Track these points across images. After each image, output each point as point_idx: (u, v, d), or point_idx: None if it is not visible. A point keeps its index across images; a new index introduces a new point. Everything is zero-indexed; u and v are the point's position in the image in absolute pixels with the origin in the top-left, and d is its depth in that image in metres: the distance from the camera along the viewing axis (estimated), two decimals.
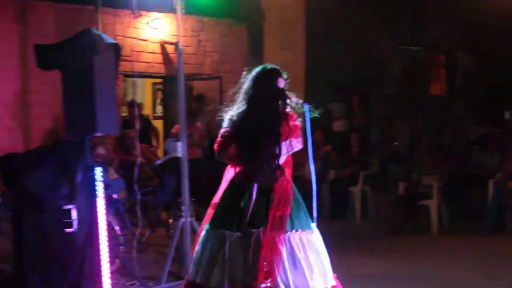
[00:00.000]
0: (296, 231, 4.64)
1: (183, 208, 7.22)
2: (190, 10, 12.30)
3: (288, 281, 4.50)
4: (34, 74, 11.02)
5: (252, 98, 4.75)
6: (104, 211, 6.51)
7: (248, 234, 4.59)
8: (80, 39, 6.35)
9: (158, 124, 13.94)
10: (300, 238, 4.63)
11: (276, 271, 4.46)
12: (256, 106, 4.74)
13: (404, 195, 10.95)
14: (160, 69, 12.58)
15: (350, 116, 13.70)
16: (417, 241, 9.99)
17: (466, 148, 13.50)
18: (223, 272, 4.57)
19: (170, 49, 12.33)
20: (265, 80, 4.78)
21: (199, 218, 7.50)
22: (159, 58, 12.49)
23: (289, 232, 4.60)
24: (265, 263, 4.45)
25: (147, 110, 15.76)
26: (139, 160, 7.66)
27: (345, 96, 13.87)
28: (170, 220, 9.26)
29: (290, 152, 4.80)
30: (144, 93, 16.30)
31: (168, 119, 13.78)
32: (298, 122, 4.79)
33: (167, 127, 13.40)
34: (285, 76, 4.85)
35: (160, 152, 12.43)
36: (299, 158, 11.83)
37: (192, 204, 7.65)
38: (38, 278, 6.68)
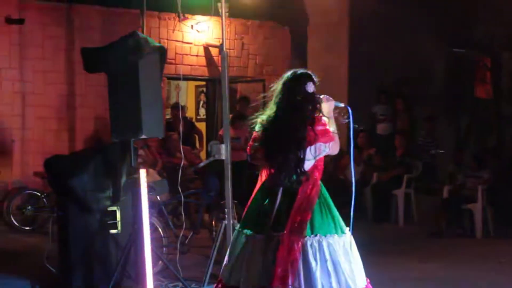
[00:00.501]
0: (315, 236, 4.60)
1: (225, 210, 7.23)
2: (234, 13, 12.43)
3: (301, 286, 4.48)
4: (79, 77, 11.18)
5: (280, 102, 4.78)
6: (148, 213, 6.57)
7: (270, 237, 4.63)
8: (125, 42, 6.41)
9: (201, 127, 14.00)
10: (320, 243, 4.59)
11: (291, 276, 4.46)
12: (283, 110, 4.76)
13: (449, 198, 10.84)
14: (204, 71, 12.65)
15: (394, 119, 13.58)
16: (461, 245, 9.88)
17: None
18: (240, 272, 4.65)
19: (214, 52, 12.39)
20: (293, 85, 4.79)
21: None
22: (202, 61, 12.56)
23: (307, 238, 4.58)
24: (279, 269, 4.47)
25: (190, 113, 15.86)
26: (183, 162, 7.70)
27: (389, 99, 13.76)
28: (213, 222, 9.28)
29: (318, 157, 4.78)
30: (187, 96, 16.40)
31: (211, 121, 13.84)
32: (328, 126, 4.76)
33: (210, 129, 13.47)
34: (316, 79, 4.84)
35: (203, 155, 12.49)
36: (344, 161, 11.88)
37: (234, 207, 7.66)
38: (81, 278, 6.76)
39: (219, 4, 7.75)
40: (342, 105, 4.88)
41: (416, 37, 13.74)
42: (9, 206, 10.46)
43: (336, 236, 4.66)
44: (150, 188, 7.12)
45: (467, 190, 10.72)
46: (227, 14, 7.91)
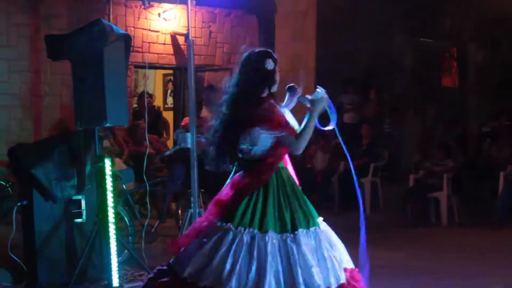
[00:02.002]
0: (248, 229, 4.27)
1: (192, 199, 7.21)
2: (200, 1, 12.37)
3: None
4: (45, 66, 11.06)
5: (236, 80, 4.49)
6: (113, 202, 6.53)
7: None
8: (90, 29, 6.36)
9: (169, 115, 13.94)
10: (253, 237, 4.25)
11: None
12: (235, 87, 4.47)
13: (414, 187, 10.92)
14: (171, 60, 12.57)
15: (361, 108, 13.62)
16: (427, 233, 9.97)
17: (477, 141, 13.46)
18: None
19: (181, 40, 12.32)
20: (253, 62, 4.48)
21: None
22: (170, 49, 12.48)
23: (238, 229, 4.28)
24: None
25: (158, 102, 15.78)
26: (148, 151, 7.67)
27: (356, 88, 13.80)
28: (179, 211, 9.27)
29: (262, 146, 4.41)
30: (155, 85, 16.32)
31: (179, 110, 13.78)
32: (271, 110, 4.38)
33: (178, 118, 13.41)
34: (275, 57, 4.51)
35: (170, 144, 12.44)
36: (311, 151, 11.89)
37: (201, 195, 7.65)
38: (46, 268, 6.71)
39: None
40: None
41: (383, 28, 13.79)
42: None
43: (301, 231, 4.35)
44: (116, 177, 7.08)
45: (433, 178, 10.81)
46: (193, 2, 7.88)
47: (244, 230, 4.27)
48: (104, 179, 6.43)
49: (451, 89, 15.67)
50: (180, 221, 8.61)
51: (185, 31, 11.23)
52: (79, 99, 6.45)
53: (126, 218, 7.83)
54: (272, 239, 4.24)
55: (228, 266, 4.18)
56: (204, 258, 4.24)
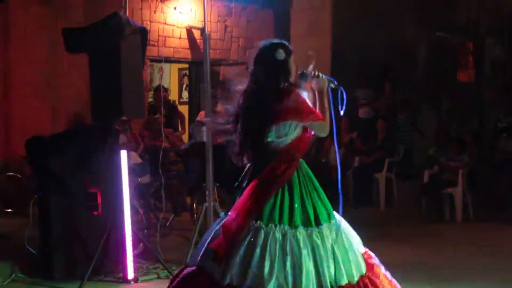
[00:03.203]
0: (279, 226, 4.21)
1: (207, 193, 7.23)
2: None
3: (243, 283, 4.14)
4: (62, 57, 11.09)
5: (251, 75, 4.43)
6: (129, 195, 6.56)
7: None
8: (107, 22, 6.39)
9: (184, 110, 13.96)
10: (284, 234, 4.18)
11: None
12: (252, 82, 4.41)
13: (429, 183, 10.89)
14: (187, 54, 12.58)
15: (377, 103, 13.59)
16: (442, 229, 9.93)
17: (493, 136, 13.40)
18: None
19: (196, 34, 12.32)
20: (264, 54, 4.42)
21: (223, 203, 7.55)
22: (185, 43, 12.49)
23: (271, 226, 4.21)
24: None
25: (173, 96, 15.81)
26: (164, 144, 7.69)
27: (372, 82, 13.77)
28: (194, 205, 9.29)
29: (290, 136, 4.36)
30: (170, 79, 16.34)
31: (194, 104, 13.80)
32: (299, 100, 4.32)
33: (193, 112, 13.43)
34: (290, 48, 4.44)
35: (185, 138, 12.47)
36: (326, 144, 11.88)
37: (216, 190, 7.66)
38: (62, 260, 6.75)
39: None
40: (332, 86, 4.53)
41: (399, 21, 13.75)
42: None
43: (311, 228, 4.28)
44: (132, 170, 7.12)
45: (448, 174, 10.76)
46: None
47: (275, 227, 4.22)
48: (120, 172, 6.45)
49: (466, 84, 15.59)
50: (195, 215, 8.63)
51: (200, 25, 11.22)
52: (96, 92, 6.47)
53: (141, 211, 7.86)
54: (303, 234, 4.24)
55: (267, 267, 4.13)
56: (242, 260, 4.18)
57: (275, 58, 4.40)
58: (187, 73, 15.23)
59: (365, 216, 10.30)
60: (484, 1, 14.21)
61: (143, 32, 6.65)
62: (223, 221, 4.35)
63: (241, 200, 4.35)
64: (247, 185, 4.41)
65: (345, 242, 4.34)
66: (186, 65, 14.59)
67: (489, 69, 15.29)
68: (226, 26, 13.00)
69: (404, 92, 14.29)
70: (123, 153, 6.48)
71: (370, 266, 4.41)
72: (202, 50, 7.71)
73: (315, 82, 4.50)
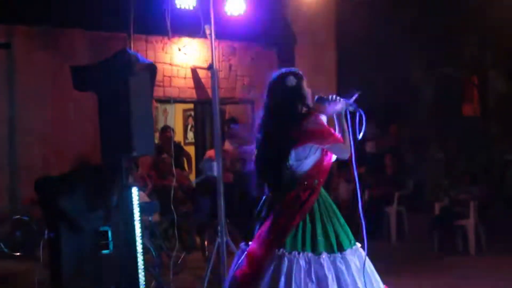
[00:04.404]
0: (302, 253, 4.20)
1: (219, 228, 7.16)
2: (220, 35, 12.41)
3: None
4: (68, 103, 11.12)
5: (265, 106, 4.50)
6: (140, 232, 6.49)
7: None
8: (116, 59, 6.37)
9: (190, 150, 13.93)
10: (308, 261, 4.18)
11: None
12: (266, 112, 4.48)
13: (441, 215, 10.81)
14: (192, 94, 12.60)
15: (382, 142, 13.56)
16: (455, 262, 9.83)
17: (501, 169, 13.35)
18: None
19: (201, 73, 12.37)
20: (274, 84, 4.49)
21: (234, 240, 7.47)
22: (190, 82, 12.52)
23: (295, 253, 4.20)
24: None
25: (178, 137, 15.80)
26: (174, 183, 7.65)
27: (376, 121, 13.76)
28: (205, 243, 9.21)
29: (312, 160, 4.38)
30: (175, 120, 16.35)
31: (200, 144, 13.79)
32: (319, 123, 4.36)
33: (199, 152, 13.41)
34: (300, 73, 4.53)
35: (192, 178, 12.41)
36: (333, 180, 11.83)
37: (226, 226, 7.60)
38: None
39: (206, 26, 7.77)
40: (351, 109, 4.60)
41: (403, 59, 13.78)
42: None
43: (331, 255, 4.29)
44: (141, 208, 7.04)
45: (459, 206, 10.69)
46: (211, 34, 7.92)
47: (298, 254, 4.19)
48: (131, 209, 6.39)
49: (472, 118, 15.58)
50: (207, 253, 8.55)
51: (205, 65, 11.28)
52: (105, 129, 6.43)
53: (152, 250, 7.78)
54: (327, 261, 4.16)
55: None
56: None
57: (286, 86, 4.40)
58: (192, 114, 15.25)
59: (377, 250, 10.18)
60: (485, 36, 14.26)
61: (152, 69, 6.63)
62: (247, 250, 4.29)
63: (264, 229, 4.29)
64: (267, 214, 4.35)
65: (368, 269, 4.29)
66: (191, 106, 14.61)
67: (494, 102, 15.29)
68: (230, 65, 13.04)
69: (411, 130, 14.28)
70: (134, 190, 6.42)
71: None
72: (207, 89, 7.72)
73: (333, 105, 4.48)
